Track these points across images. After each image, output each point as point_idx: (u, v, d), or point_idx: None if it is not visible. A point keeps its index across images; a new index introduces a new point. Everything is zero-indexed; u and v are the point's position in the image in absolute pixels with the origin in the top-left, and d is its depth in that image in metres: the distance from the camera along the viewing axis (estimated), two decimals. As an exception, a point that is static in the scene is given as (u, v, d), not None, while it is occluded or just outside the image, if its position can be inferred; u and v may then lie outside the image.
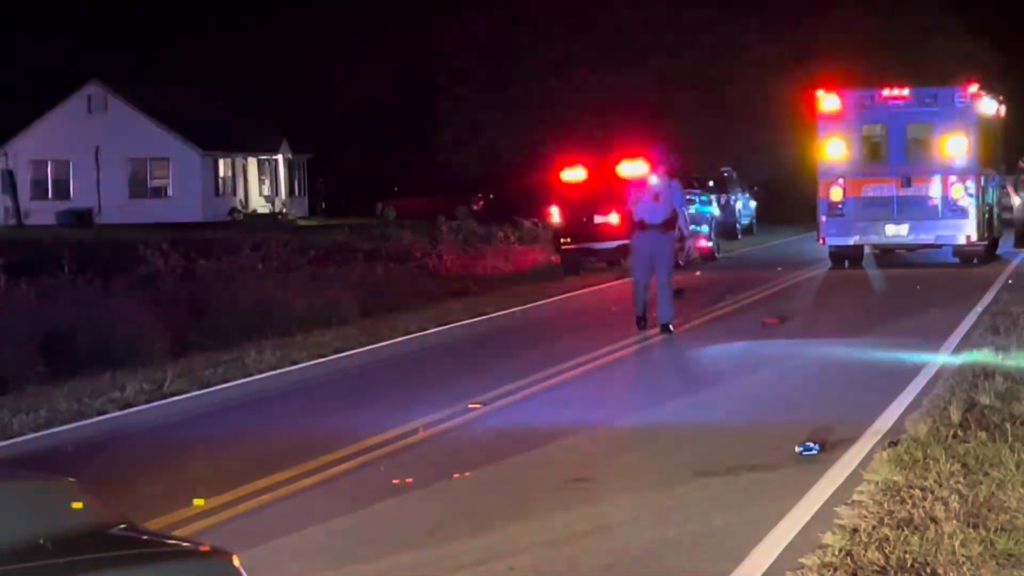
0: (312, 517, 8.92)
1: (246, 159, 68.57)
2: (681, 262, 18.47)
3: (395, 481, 9.82)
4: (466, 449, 11.01)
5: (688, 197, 31.31)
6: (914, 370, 13.98)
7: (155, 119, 64.56)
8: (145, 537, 4.28)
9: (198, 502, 8.96)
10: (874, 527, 7.98)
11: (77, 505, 4.14)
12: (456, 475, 10.01)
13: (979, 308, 19.39)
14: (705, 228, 32.08)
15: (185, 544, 4.48)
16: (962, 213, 27.35)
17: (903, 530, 7.84)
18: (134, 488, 9.79)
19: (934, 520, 8.03)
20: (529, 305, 22.21)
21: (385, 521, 8.86)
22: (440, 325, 19.58)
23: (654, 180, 18.42)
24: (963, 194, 27.34)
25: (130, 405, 13.56)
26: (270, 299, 20.06)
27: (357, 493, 9.56)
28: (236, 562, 4.25)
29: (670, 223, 18.27)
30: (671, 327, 17.92)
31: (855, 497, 8.80)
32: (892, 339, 16.83)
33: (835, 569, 7.28)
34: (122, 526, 4.23)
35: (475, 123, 59.43)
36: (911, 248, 28.86)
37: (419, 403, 12.98)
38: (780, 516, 8.44)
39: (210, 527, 8.66)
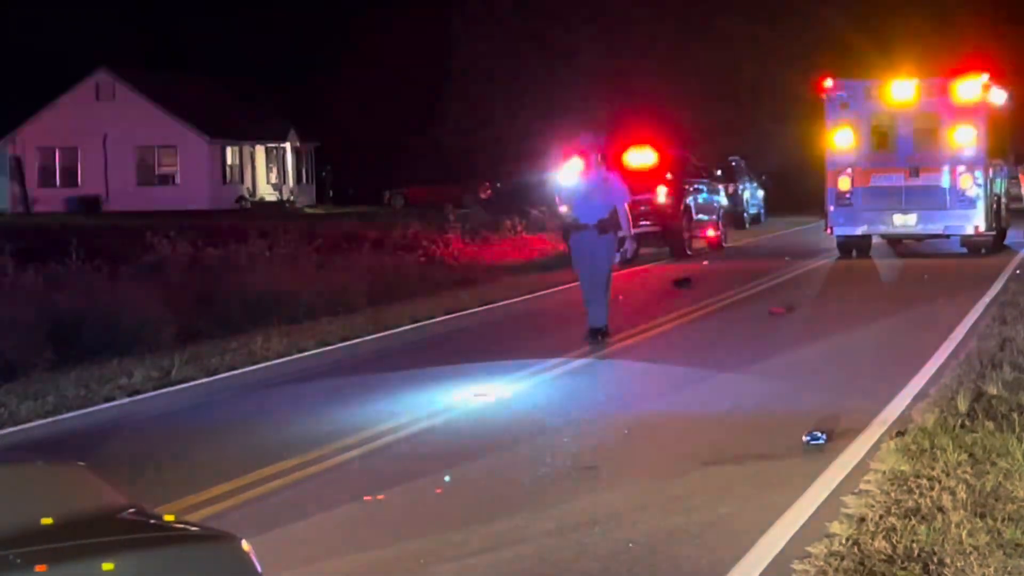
0: (319, 504, 8.93)
1: (254, 147, 68.61)
2: (615, 259, 16.63)
3: (374, 497, 9.83)
4: (473, 437, 11.01)
5: (695, 187, 31.40)
6: (922, 360, 13.97)
7: (163, 107, 64.60)
8: (154, 521, 4.29)
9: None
10: (881, 516, 7.98)
11: (87, 489, 4.15)
12: (463, 463, 10.01)
13: (987, 298, 19.37)
14: (713, 217, 32.10)
15: (194, 528, 4.48)
16: (970, 203, 27.31)
17: (910, 520, 7.84)
18: (141, 475, 9.80)
19: (941, 510, 8.03)
20: (536, 294, 22.22)
21: (392, 509, 8.87)
22: (447, 314, 19.59)
23: (587, 174, 16.45)
24: (971, 184, 27.29)
25: (137, 392, 13.59)
26: (277, 287, 20.07)
27: (364, 481, 9.56)
28: (245, 546, 4.26)
29: (609, 223, 16.05)
30: (603, 334, 16.03)
31: (862, 487, 8.80)
32: (900, 329, 16.83)
33: (842, 558, 7.28)
34: (131, 510, 4.24)
35: (483, 111, 59.41)
36: (919, 238, 28.82)
37: (426, 391, 12.99)
38: (787, 505, 8.44)
39: (217, 513, 8.67)
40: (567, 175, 16.68)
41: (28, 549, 3.69)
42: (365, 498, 9.06)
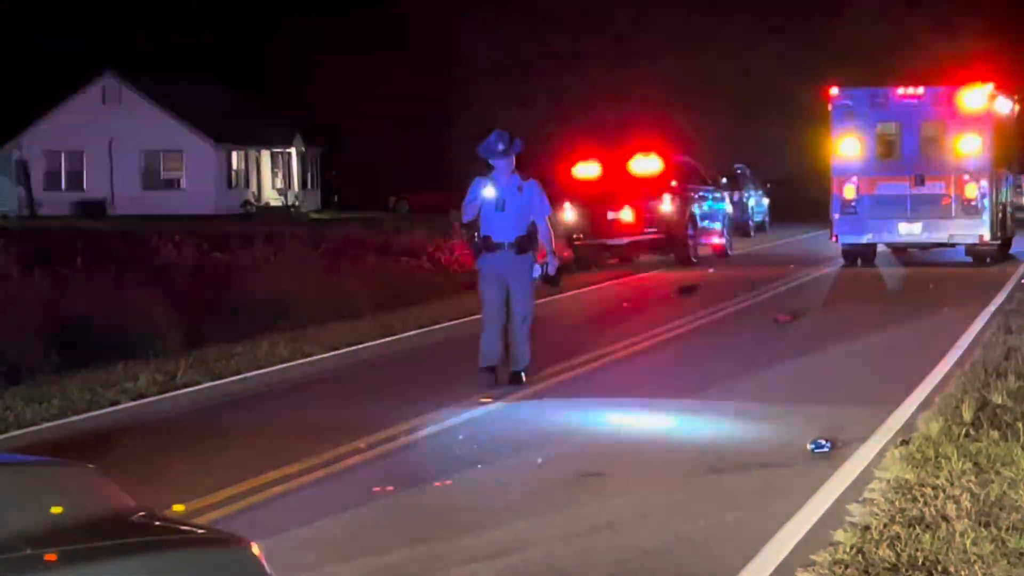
0: (325, 509, 8.94)
1: (259, 152, 68.68)
2: (534, 274, 13.82)
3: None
4: (477, 443, 11.02)
5: (701, 194, 31.39)
6: (927, 368, 13.97)
7: (169, 111, 64.69)
8: (166, 524, 4.30)
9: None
10: (885, 525, 7.98)
11: (96, 491, 4.17)
12: (468, 468, 10.02)
13: (992, 307, 19.38)
14: (718, 225, 32.11)
15: (205, 531, 4.50)
16: (975, 212, 27.33)
17: (914, 528, 7.85)
18: (147, 478, 9.80)
19: (945, 518, 8.04)
20: (540, 301, 22.17)
21: (397, 513, 8.88)
22: (452, 319, 19.59)
23: (501, 180, 13.59)
24: (976, 193, 27.31)
25: (143, 396, 13.60)
26: (282, 292, 20.10)
27: (370, 485, 9.57)
28: (255, 549, 4.27)
29: (527, 240, 13.61)
30: (524, 375, 13.64)
31: (866, 495, 8.80)
32: (904, 338, 16.83)
33: (846, 566, 7.28)
34: (142, 513, 4.26)
35: (488, 117, 59.48)
36: (924, 247, 28.84)
37: (430, 396, 12.99)
38: (792, 513, 8.45)
39: (223, 517, 8.68)
40: (476, 184, 13.61)
41: (38, 551, 3.71)
42: (371, 502, 9.07)
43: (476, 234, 13.76)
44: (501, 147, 13.47)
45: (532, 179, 13.72)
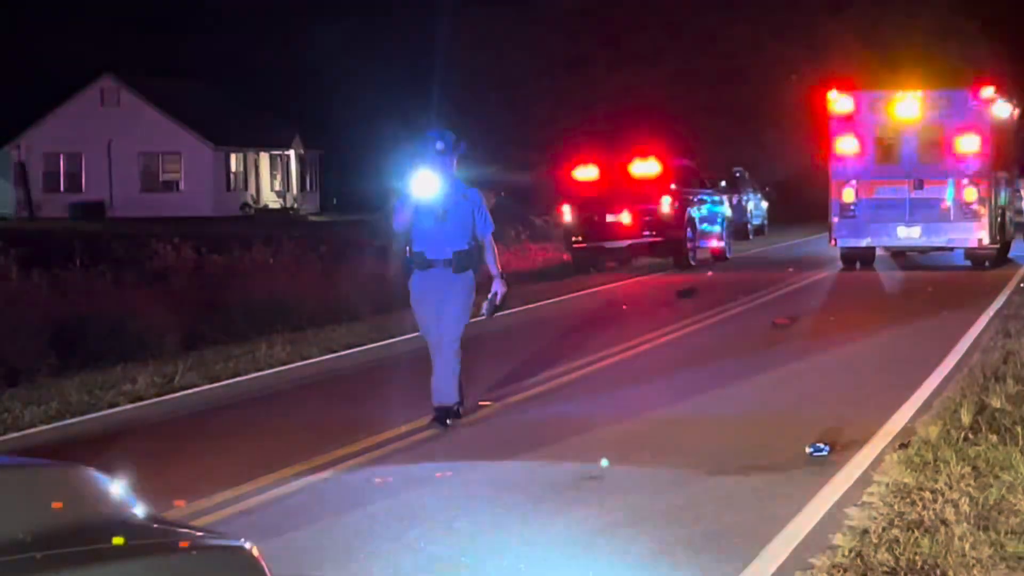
0: (323, 511, 8.94)
1: (258, 154, 68.70)
2: (484, 313, 12.08)
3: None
4: (476, 446, 11.02)
5: (699, 197, 31.39)
6: (926, 372, 13.98)
7: (168, 113, 64.72)
8: (165, 526, 4.30)
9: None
10: (884, 528, 7.98)
11: (94, 492, 4.17)
12: (467, 471, 10.02)
13: (991, 311, 19.38)
14: (717, 228, 32.12)
15: (203, 534, 4.50)
16: (974, 216, 27.34)
17: (913, 532, 7.85)
18: (145, 481, 9.79)
19: (944, 522, 8.03)
20: (540, 303, 22.22)
21: (396, 516, 8.87)
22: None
23: (439, 188, 11.61)
24: (975, 197, 27.32)
25: (141, 398, 13.60)
26: (281, 294, 20.11)
27: (369, 488, 9.57)
28: (255, 552, 4.27)
29: (467, 257, 11.74)
30: (454, 413, 11.76)
31: (865, 499, 8.80)
32: (903, 341, 16.84)
33: (845, 570, 7.28)
34: (140, 516, 4.25)
35: (487, 120, 59.55)
36: (923, 250, 28.85)
37: (428, 399, 12.97)
38: (790, 517, 8.45)
39: (221, 520, 8.68)
40: (411, 191, 11.62)
41: (35, 553, 3.70)
42: (370, 505, 9.07)
43: (408, 248, 11.83)
44: (439, 145, 11.62)
45: (475, 188, 11.92)
